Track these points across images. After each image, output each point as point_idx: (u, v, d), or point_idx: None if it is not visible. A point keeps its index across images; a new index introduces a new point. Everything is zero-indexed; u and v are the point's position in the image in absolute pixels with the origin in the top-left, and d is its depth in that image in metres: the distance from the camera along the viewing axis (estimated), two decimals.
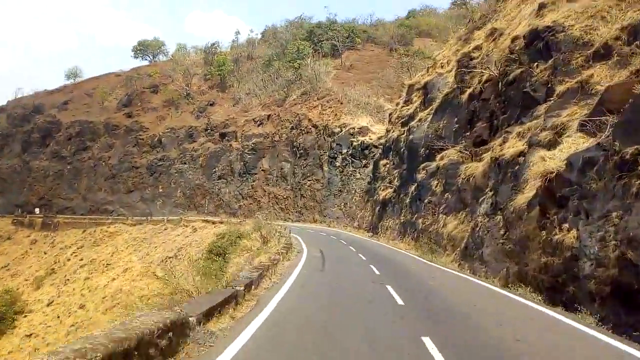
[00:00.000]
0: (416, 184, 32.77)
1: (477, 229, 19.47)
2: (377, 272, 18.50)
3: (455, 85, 30.19)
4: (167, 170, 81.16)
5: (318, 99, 70.09)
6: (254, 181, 71.59)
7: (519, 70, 20.49)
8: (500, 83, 22.36)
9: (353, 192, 56.50)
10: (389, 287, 14.17)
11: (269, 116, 75.86)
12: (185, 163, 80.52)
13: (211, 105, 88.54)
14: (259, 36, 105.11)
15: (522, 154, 16.96)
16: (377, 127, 60.55)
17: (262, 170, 71.17)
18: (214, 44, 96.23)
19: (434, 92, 36.49)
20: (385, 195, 41.55)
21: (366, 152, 57.42)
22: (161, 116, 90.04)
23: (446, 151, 28.12)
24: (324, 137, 63.86)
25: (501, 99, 22.10)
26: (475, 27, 34.66)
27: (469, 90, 27.10)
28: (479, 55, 27.82)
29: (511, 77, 21.00)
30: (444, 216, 25.48)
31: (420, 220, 29.42)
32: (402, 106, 43.29)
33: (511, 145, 18.42)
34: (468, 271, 19.32)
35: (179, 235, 60.58)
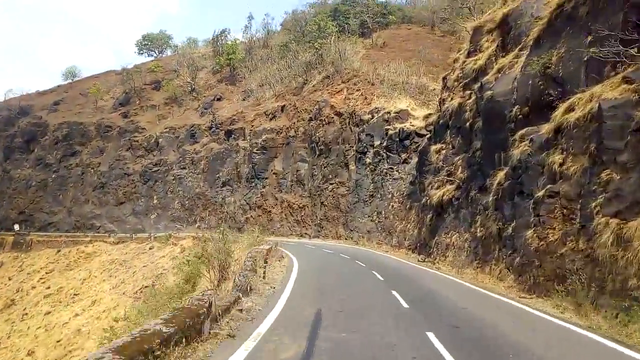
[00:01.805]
0: (508, 168, 18.58)
1: None
2: None
3: None
4: (163, 177, 69.10)
5: (343, 82, 56.61)
6: (263, 187, 58.38)
7: None
8: None
9: (389, 196, 42.31)
10: None
11: (283, 107, 62.84)
12: (184, 168, 68.27)
13: (218, 100, 76.46)
14: (278, 27, 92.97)
15: None
16: (420, 112, 46.40)
17: (274, 173, 57.91)
18: (223, 31, 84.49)
19: (521, 22, 22.51)
20: (442, 195, 27.35)
21: (406, 142, 43.24)
22: (161, 115, 78.64)
23: (588, 91, 13.93)
24: (350, 128, 50.12)
25: None
26: None
27: None
28: None
29: None
30: (607, 220, 11.22)
31: (529, 233, 15.08)
32: (464, 61, 29.15)
33: None
34: None
35: (163, 257, 48.04)
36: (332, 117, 52.57)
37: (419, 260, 26.65)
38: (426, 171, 33.03)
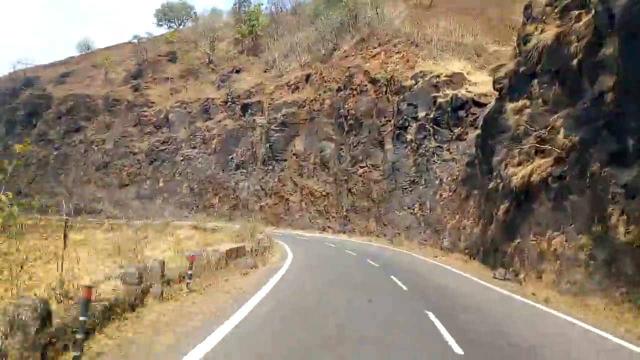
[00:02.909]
0: None
1: None
2: None
3: None
4: (171, 156, 61.56)
5: (380, 44, 47.12)
6: (281, 171, 49.78)
7: None
8: None
9: (437, 183, 32.83)
10: None
11: (307, 77, 53.92)
12: (195, 147, 60.52)
13: (237, 72, 68.23)
14: None
15: None
16: (479, 76, 36.61)
17: (294, 154, 49.20)
18: None
19: None
20: (529, 174, 17.86)
21: (461, 113, 33.55)
22: (175, 89, 71.06)
23: None
24: (388, 97, 40.74)
25: None
26: None
27: None
28: None
29: None
30: None
31: None
32: None
33: None
34: None
35: (154, 250, 39.79)
36: (365, 85, 43.30)
37: (495, 278, 17.19)
38: (495, 144, 23.45)
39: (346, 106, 44.39)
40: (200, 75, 72.62)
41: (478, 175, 27.23)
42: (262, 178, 51.56)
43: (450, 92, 35.56)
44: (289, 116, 50.64)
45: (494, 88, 27.10)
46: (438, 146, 34.17)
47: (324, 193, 44.27)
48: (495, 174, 22.79)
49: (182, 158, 60.60)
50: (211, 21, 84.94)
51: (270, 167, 51.04)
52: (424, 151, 35.15)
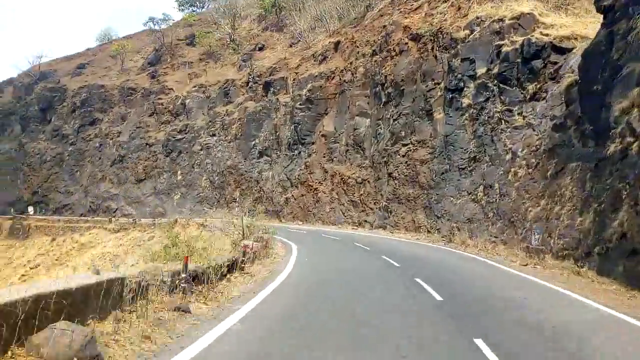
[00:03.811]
0: None
1: None
2: None
3: None
4: (189, 146, 55.50)
5: None
6: (309, 156, 42.47)
7: None
8: None
9: (507, 157, 24.50)
10: None
11: (337, 44, 46.25)
12: (214, 134, 54.18)
13: (260, 49, 61.42)
14: None
15: None
16: (556, 19, 27.94)
17: (323, 135, 41.73)
18: None
19: None
20: None
21: (536, 64, 24.98)
22: (194, 73, 65.07)
23: None
24: (435, 55, 32.48)
25: None
26: None
27: None
28: None
29: None
30: None
31: None
32: None
33: None
34: None
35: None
36: (406, 44, 35.14)
37: None
38: (608, 89, 15.18)
39: (383, 72, 36.42)
40: (221, 57, 66.40)
41: (575, 142, 18.95)
42: (287, 166, 44.41)
43: (519, 38, 27.01)
44: (316, 91, 43.15)
45: (598, 8, 18.55)
46: (506, 110, 25.80)
47: (359, 180, 36.59)
48: (616, 131, 14.52)
49: (200, 147, 54.40)
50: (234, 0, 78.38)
51: (296, 153, 43.81)
52: (486, 118, 26.83)
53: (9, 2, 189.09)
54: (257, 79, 53.35)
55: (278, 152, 46.52)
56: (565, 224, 17.90)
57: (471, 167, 27.22)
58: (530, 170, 22.29)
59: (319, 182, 40.13)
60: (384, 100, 35.92)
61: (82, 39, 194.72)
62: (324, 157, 40.78)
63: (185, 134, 56.14)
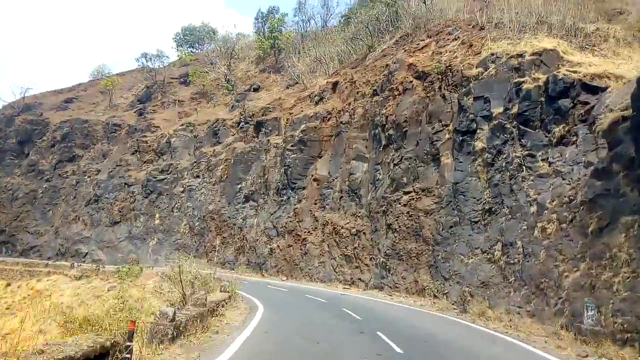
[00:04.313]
0: None
1: None
2: None
3: None
4: (170, 188, 51.43)
5: (429, 36, 36.08)
6: (298, 202, 38.40)
7: None
8: None
9: (531, 210, 20.47)
10: None
11: (335, 85, 43.30)
12: (198, 176, 50.27)
13: (255, 90, 58.74)
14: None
15: None
16: (583, 57, 24.97)
17: (315, 179, 37.84)
18: (271, 10, 67.28)
19: None
20: None
21: (563, 104, 21.52)
22: (185, 112, 62.19)
23: None
24: (443, 94, 29.18)
25: None
26: None
27: None
28: None
29: None
30: None
31: None
32: None
33: None
34: None
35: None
36: (410, 82, 31.98)
37: None
38: None
39: (384, 112, 33.05)
40: (214, 97, 63.81)
41: (626, 190, 15.08)
42: (275, 212, 40.21)
43: (541, 75, 23.78)
44: (310, 132, 39.69)
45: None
46: (528, 155, 22.07)
47: (353, 231, 32.34)
48: None
49: (182, 189, 50.34)
50: (232, 42, 76.88)
51: (285, 198, 39.76)
52: (504, 164, 23.06)
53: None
54: (249, 119, 50.15)
55: (265, 197, 42.47)
56: (622, 295, 13.64)
57: (486, 221, 23.15)
58: (563, 225, 18.24)
59: (309, 232, 35.81)
60: (384, 143, 32.32)
61: (76, 75, 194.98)
62: (315, 203, 36.71)
63: (168, 174, 52.23)
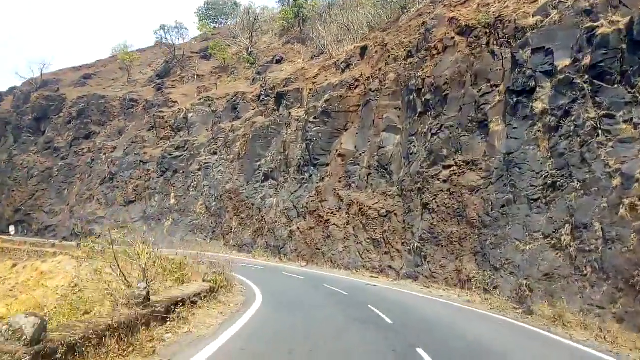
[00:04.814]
0: None
1: None
2: None
3: None
4: (186, 165, 48.38)
5: None
6: (321, 179, 34.54)
7: None
8: None
9: (614, 184, 16.02)
10: None
11: (363, 50, 38.96)
12: (215, 152, 46.99)
13: (277, 62, 54.80)
14: None
15: None
16: None
17: (339, 155, 33.86)
18: None
19: None
20: None
21: None
22: (204, 87, 58.94)
23: None
24: (492, 49, 24.57)
25: None
26: None
27: None
28: None
29: None
30: None
31: None
32: None
33: None
34: None
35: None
36: (452, 39, 27.46)
37: None
38: None
39: (419, 75, 28.68)
40: (236, 70, 60.16)
41: None
42: (295, 191, 36.53)
43: (620, 18, 19.06)
44: (335, 102, 35.60)
45: None
46: (606, 115, 17.56)
47: (382, 212, 28.32)
48: None
49: (198, 167, 47.16)
50: (255, 14, 72.93)
51: (307, 176, 35.98)
52: (572, 128, 18.59)
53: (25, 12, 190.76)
54: (270, 91, 46.35)
55: (286, 174, 38.79)
56: None
57: (548, 198, 18.79)
58: None
59: (332, 213, 31.98)
60: (419, 110, 28.02)
61: (97, 53, 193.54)
62: (340, 181, 32.78)
63: (184, 151, 49.12)
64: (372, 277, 25.78)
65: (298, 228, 34.40)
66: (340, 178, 32.96)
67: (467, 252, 21.87)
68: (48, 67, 73.95)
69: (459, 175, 23.67)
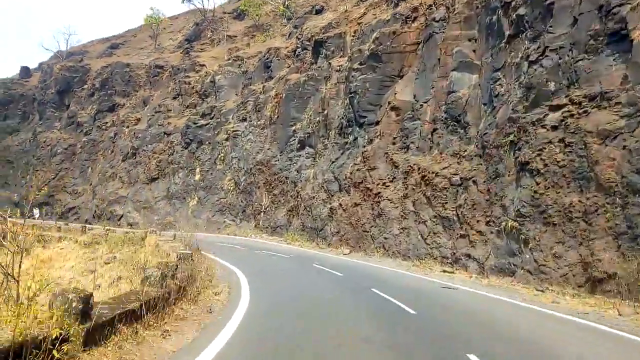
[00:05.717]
0: None
1: None
2: None
3: None
4: (212, 135, 42.23)
5: None
6: (369, 142, 27.04)
7: None
8: None
9: None
10: None
11: None
12: (244, 119, 40.46)
13: (317, 12, 47.30)
14: None
15: None
16: None
17: (393, 108, 26.12)
18: None
19: None
20: None
21: None
22: (236, 48, 52.36)
23: None
24: None
25: None
26: None
27: None
28: None
29: None
30: None
31: None
32: None
33: None
34: None
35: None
36: None
37: None
38: None
39: None
40: (271, 28, 53.18)
41: None
42: (337, 159, 29.25)
43: None
44: (386, 41, 27.76)
45: None
46: None
47: (455, 180, 20.55)
48: None
49: (226, 136, 40.88)
50: None
51: (351, 139, 28.57)
52: None
53: None
54: (307, 42, 39.02)
55: (325, 140, 31.57)
56: None
57: None
58: None
59: (384, 184, 24.51)
60: (507, 33, 19.81)
61: (129, 23, 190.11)
62: (394, 143, 25.16)
63: (210, 118, 42.94)
64: (444, 271, 18.14)
65: (340, 205, 27.17)
66: (394, 139, 25.32)
67: (599, 234, 13.87)
68: (75, 39, 70.21)
69: (578, 117, 15.53)
